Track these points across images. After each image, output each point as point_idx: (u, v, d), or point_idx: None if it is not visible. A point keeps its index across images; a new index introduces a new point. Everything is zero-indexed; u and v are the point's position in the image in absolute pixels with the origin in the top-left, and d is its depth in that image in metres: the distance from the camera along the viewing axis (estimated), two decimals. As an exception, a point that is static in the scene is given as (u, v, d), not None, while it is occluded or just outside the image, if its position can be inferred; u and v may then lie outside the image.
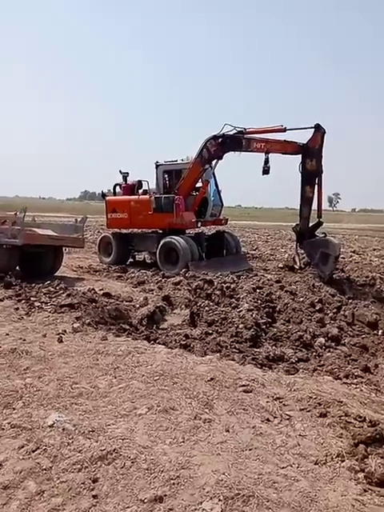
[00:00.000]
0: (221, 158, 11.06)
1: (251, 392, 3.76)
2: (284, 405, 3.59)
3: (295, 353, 5.43)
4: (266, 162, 9.96)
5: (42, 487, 2.44)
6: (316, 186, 9.60)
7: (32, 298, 6.78)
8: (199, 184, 11.98)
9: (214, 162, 11.30)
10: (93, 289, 7.64)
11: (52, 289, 7.21)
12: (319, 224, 9.80)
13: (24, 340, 4.88)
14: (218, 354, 4.97)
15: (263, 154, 10.01)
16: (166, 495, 2.35)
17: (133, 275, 10.37)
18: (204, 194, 12.01)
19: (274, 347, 5.61)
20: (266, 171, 10.03)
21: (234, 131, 10.41)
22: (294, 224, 10.24)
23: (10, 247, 8.41)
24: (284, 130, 9.90)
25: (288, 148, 10.01)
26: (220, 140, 10.63)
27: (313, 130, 9.59)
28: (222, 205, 13.23)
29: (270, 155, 9.99)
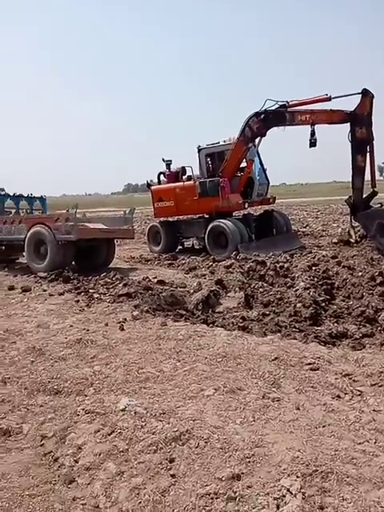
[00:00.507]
0: (264, 135, 10.81)
1: (318, 369, 3.67)
2: (354, 381, 3.48)
3: (359, 328, 5.23)
4: (312, 134, 9.63)
5: (121, 468, 2.52)
6: (368, 155, 9.16)
7: (90, 290, 7.00)
8: (243, 164, 11.77)
9: (257, 140, 11.05)
10: (147, 277, 7.78)
11: (108, 280, 7.41)
12: (374, 194, 9.38)
13: (87, 330, 5.05)
14: (279, 334, 4.89)
15: (309, 126, 9.67)
16: (242, 473, 2.35)
17: (183, 262, 10.44)
18: (249, 174, 11.80)
19: (335, 324, 5.44)
20: (312, 144, 9.70)
21: (277, 106, 10.11)
22: (347, 196, 9.86)
23: (65, 243, 8.72)
24: (329, 99, 9.49)
25: (335, 117, 9.61)
26: (262, 116, 10.37)
27: (360, 95, 9.12)
28: (269, 183, 12.95)
29: (315, 127, 9.64)
